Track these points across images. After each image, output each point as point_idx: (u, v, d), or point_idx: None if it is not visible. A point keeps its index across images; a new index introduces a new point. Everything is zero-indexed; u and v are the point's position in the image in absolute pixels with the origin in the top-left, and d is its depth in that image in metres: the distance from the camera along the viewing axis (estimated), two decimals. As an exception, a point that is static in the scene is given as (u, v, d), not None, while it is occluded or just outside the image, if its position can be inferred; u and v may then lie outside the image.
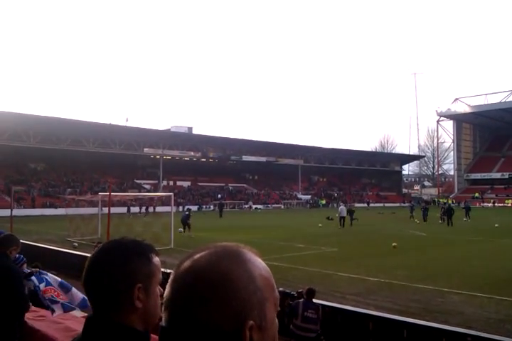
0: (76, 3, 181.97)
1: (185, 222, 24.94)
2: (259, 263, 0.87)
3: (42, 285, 4.84)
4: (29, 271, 5.21)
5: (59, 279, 4.96)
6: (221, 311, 0.78)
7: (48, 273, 5.07)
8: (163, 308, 0.84)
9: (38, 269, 5.22)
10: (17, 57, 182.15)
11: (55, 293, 4.83)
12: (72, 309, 4.87)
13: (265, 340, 0.81)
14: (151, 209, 48.19)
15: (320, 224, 31.45)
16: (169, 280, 0.85)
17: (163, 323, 0.83)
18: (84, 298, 4.84)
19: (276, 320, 0.86)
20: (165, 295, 0.85)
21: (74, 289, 4.91)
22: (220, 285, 0.79)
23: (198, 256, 0.85)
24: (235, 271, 0.81)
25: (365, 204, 71.54)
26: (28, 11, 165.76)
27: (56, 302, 4.77)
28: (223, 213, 45.65)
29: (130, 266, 1.24)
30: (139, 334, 1.20)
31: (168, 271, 1.33)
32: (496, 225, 30.86)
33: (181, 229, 24.28)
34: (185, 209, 26.12)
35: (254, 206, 66.86)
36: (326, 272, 13.97)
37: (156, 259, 1.30)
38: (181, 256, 0.90)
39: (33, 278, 4.89)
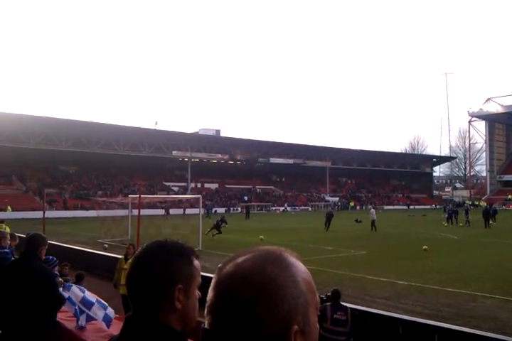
0: (106, 6, 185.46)
1: (217, 227, 25.02)
2: (301, 267, 0.87)
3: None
4: (65, 280, 5.27)
5: (81, 294, 4.92)
6: (267, 316, 0.77)
7: (73, 287, 5.01)
8: (205, 312, 0.84)
9: (62, 281, 5.23)
10: (52, 61, 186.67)
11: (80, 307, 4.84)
12: (94, 319, 4.85)
13: None
14: (175, 211, 48.58)
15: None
16: (212, 284, 0.85)
17: (206, 326, 0.83)
18: (106, 313, 4.82)
19: (318, 324, 0.86)
20: (208, 298, 0.84)
21: (95, 306, 4.86)
22: (266, 291, 0.78)
23: (241, 259, 0.85)
24: (280, 276, 0.80)
25: (405, 207, 71.62)
26: (79, 15, 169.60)
27: (82, 312, 4.79)
28: (250, 215, 45.69)
29: (172, 267, 1.26)
30: (177, 334, 1.22)
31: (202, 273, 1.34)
32: None
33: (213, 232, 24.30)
34: (220, 218, 26.25)
35: (287, 208, 66.51)
36: (355, 275, 13.84)
37: (197, 262, 1.33)
38: (210, 259, 0.90)
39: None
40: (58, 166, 62.08)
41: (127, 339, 1.20)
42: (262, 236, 22.90)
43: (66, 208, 51.51)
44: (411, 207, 75.31)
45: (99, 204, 42.60)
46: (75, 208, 51.96)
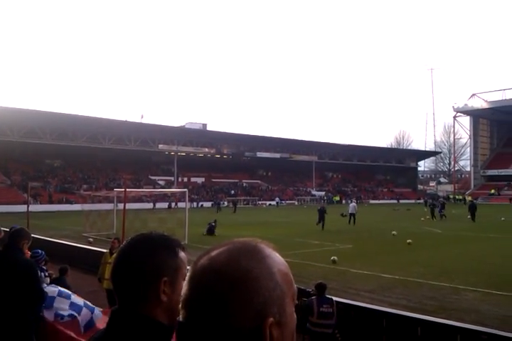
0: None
1: (211, 231, 23.43)
2: (277, 259, 0.85)
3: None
4: (49, 274, 5.21)
5: (69, 300, 4.87)
6: (242, 309, 0.77)
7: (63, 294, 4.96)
8: (180, 305, 0.83)
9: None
10: (35, 55, 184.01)
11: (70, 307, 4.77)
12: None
13: (284, 335, 0.81)
14: (162, 205, 48.55)
15: None
16: (187, 278, 0.84)
17: (181, 319, 0.82)
18: (91, 318, 4.75)
19: (295, 315, 0.85)
20: (183, 292, 0.83)
21: (84, 310, 4.79)
22: (241, 283, 0.78)
23: (216, 252, 0.83)
24: (255, 268, 0.80)
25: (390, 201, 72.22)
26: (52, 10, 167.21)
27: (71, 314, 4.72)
28: (237, 209, 45.75)
29: (156, 259, 1.25)
30: (163, 328, 1.21)
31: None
32: (503, 219, 33.63)
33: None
34: (212, 220, 24.55)
35: (280, 201, 65.87)
36: (340, 268, 13.95)
37: (183, 254, 1.31)
38: (196, 253, 0.89)
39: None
40: (43, 160, 61.41)
41: (113, 333, 1.19)
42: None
43: (51, 202, 51.04)
44: (396, 201, 76.08)
45: (84, 198, 42.28)
46: (60, 202, 51.52)
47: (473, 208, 33.97)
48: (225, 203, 61.40)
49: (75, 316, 4.58)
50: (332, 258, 15.00)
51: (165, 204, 50.57)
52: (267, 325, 0.77)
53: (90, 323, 4.66)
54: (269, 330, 0.77)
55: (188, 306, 0.81)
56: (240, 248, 0.84)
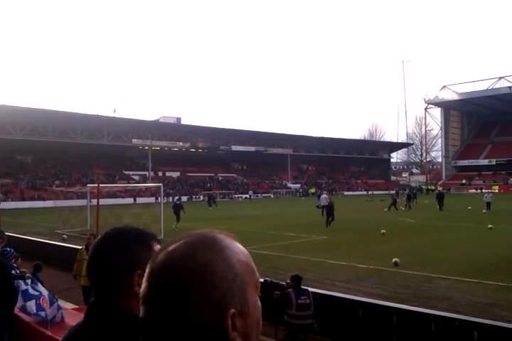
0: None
1: (178, 212, 23.91)
2: (236, 248, 0.83)
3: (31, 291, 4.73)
4: (22, 272, 5.13)
5: (47, 291, 4.83)
6: (201, 304, 0.76)
7: (39, 284, 4.94)
8: (140, 302, 0.82)
9: (30, 276, 5.10)
10: (9, 47, 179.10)
11: (43, 302, 4.72)
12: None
13: (249, 325, 0.80)
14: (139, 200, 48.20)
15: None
16: (145, 275, 0.82)
17: (141, 315, 0.81)
18: (57, 314, 4.73)
19: (259, 303, 0.84)
20: (141, 290, 0.82)
21: (55, 305, 4.75)
22: (199, 278, 0.76)
23: (172, 247, 0.81)
24: (212, 261, 0.78)
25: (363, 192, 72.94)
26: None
27: (42, 310, 4.68)
28: (214, 203, 45.53)
29: (130, 253, 1.27)
30: (137, 319, 1.21)
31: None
32: (469, 208, 34.49)
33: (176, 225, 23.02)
34: (176, 199, 24.84)
35: (252, 195, 66.06)
36: (316, 260, 14.08)
37: (158, 247, 1.31)
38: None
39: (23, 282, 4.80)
40: (14, 156, 60.10)
41: (90, 326, 1.22)
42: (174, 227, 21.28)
43: (23, 199, 50.02)
44: (370, 192, 77.09)
45: (57, 194, 41.67)
46: (32, 198, 50.55)
47: (440, 197, 35.22)
48: (201, 197, 61.28)
49: (46, 313, 4.55)
50: (394, 260, 13.16)
51: (142, 200, 50.08)
52: (228, 316, 0.76)
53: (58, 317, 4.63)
54: (231, 321, 0.76)
55: (147, 302, 0.80)
56: (197, 241, 0.82)
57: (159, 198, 47.97)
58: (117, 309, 1.22)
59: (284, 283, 7.06)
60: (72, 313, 4.94)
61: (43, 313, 4.56)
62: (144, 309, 0.81)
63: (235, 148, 77.53)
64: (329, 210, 23.89)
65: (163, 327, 0.77)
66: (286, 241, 18.30)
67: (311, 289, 7.31)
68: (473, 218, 27.03)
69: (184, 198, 58.84)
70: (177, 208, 24.21)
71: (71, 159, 63.84)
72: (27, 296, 4.60)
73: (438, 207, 34.69)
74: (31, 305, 4.58)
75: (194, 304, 0.76)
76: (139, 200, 50.35)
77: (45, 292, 4.80)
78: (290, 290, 6.77)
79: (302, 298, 6.65)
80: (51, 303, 4.69)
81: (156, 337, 0.78)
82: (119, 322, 1.20)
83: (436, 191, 42.17)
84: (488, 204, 33.73)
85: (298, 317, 6.60)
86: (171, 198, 55.19)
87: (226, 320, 0.76)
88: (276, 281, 7.18)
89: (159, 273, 0.79)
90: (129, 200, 50.48)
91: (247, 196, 65.73)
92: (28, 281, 4.79)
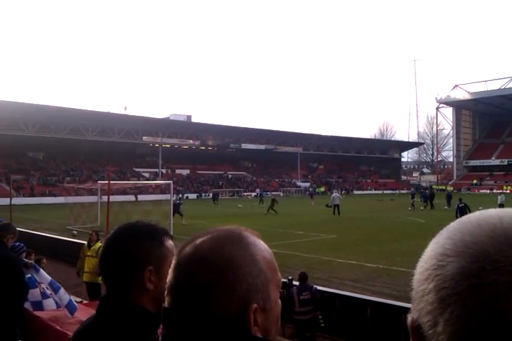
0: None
1: (176, 210, 23.97)
2: (261, 246, 0.86)
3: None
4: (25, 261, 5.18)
5: (49, 278, 4.89)
6: (226, 297, 0.78)
7: (41, 269, 5.00)
8: (166, 292, 0.85)
9: (32, 262, 5.16)
10: (16, 46, 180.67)
11: (47, 290, 4.77)
12: (58, 305, 4.80)
13: (269, 321, 0.82)
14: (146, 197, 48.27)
15: (239, 205, 31.03)
16: (172, 266, 0.85)
17: (166, 305, 0.84)
18: (70, 299, 4.77)
19: (279, 301, 0.87)
20: (168, 280, 0.85)
21: (62, 290, 4.80)
22: (225, 272, 0.79)
23: (200, 241, 0.85)
24: (238, 256, 0.81)
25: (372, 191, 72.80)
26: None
27: (47, 297, 4.73)
28: (219, 201, 45.51)
29: (141, 248, 1.28)
30: (150, 315, 1.24)
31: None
32: (480, 208, 32.33)
33: (182, 222, 23.54)
34: (177, 197, 25.11)
35: (260, 193, 64.93)
36: (324, 258, 14.05)
37: (170, 243, 1.33)
38: (181, 244, 0.90)
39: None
40: (25, 152, 60.64)
41: (103, 319, 1.24)
42: (240, 205, 22.53)
43: (34, 195, 50.47)
44: (380, 191, 76.64)
45: (68, 190, 41.95)
46: (43, 195, 50.96)
47: (448, 197, 35.97)
48: (210, 195, 61.18)
49: (59, 305, 4.60)
50: None
51: (148, 197, 50.08)
52: (251, 311, 0.79)
53: (72, 305, 4.67)
54: (253, 316, 0.79)
55: (173, 293, 0.83)
56: (224, 236, 0.85)
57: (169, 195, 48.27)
58: (130, 303, 1.24)
59: (286, 280, 7.10)
60: (81, 308, 4.97)
61: (51, 300, 4.62)
62: (170, 299, 0.83)
63: (244, 146, 77.52)
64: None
65: (187, 317, 0.79)
66: (295, 240, 18.28)
67: (319, 287, 7.30)
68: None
69: (193, 195, 58.95)
70: (176, 207, 24.41)
71: (82, 156, 64.27)
72: (31, 284, 4.66)
73: (447, 206, 34.50)
74: (34, 292, 4.63)
75: (219, 297, 0.78)
76: (150, 197, 50.34)
77: (47, 279, 4.84)
78: (294, 287, 6.83)
79: (304, 293, 6.72)
80: (56, 289, 4.74)
81: (179, 327, 0.81)
82: (132, 316, 1.22)
83: (446, 192, 42.64)
84: (501, 206, 33.49)
85: (302, 314, 6.65)
86: (180, 195, 55.34)
87: (249, 315, 0.78)
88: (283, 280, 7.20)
89: (186, 265, 0.82)
90: (140, 197, 50.45)
91: (255, 194, 65.38)
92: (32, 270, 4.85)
